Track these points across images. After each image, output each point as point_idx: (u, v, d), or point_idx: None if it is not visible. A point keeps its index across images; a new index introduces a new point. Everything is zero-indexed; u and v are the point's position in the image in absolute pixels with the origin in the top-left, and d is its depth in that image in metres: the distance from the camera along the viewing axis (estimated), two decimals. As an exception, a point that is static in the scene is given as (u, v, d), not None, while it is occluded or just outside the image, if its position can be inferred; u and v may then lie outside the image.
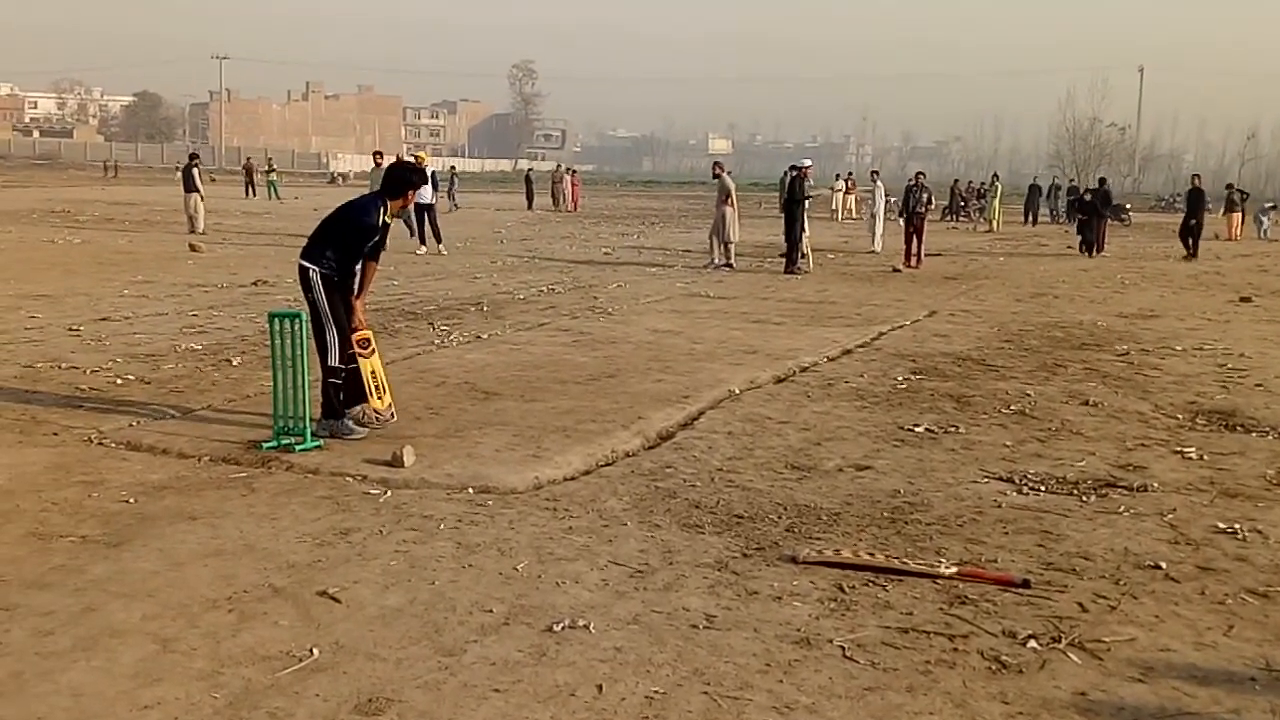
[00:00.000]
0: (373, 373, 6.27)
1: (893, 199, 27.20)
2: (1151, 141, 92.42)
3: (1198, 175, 25.15)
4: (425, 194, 18.98)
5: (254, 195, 41.13)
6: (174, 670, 3.32)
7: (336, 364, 6.12)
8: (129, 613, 3.74)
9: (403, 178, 6.32)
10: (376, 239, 6.25)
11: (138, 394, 7.18)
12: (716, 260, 17.78)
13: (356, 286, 6.30)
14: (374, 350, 6.35)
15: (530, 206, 39.51)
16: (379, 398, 6.29)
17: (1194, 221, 23.05)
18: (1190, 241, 22.95)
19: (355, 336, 6.19)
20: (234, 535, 4.55)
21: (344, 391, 6.16)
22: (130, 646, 3.48)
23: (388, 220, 6.27)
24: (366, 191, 7.52)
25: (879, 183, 24.19)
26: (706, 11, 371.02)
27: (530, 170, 46.10)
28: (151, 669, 3.33)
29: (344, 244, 6.16)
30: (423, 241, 19.28)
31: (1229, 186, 33.79)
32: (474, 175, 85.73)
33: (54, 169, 68.44)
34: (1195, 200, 23.49)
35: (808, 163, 18.46)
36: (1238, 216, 31.63)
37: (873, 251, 21.76)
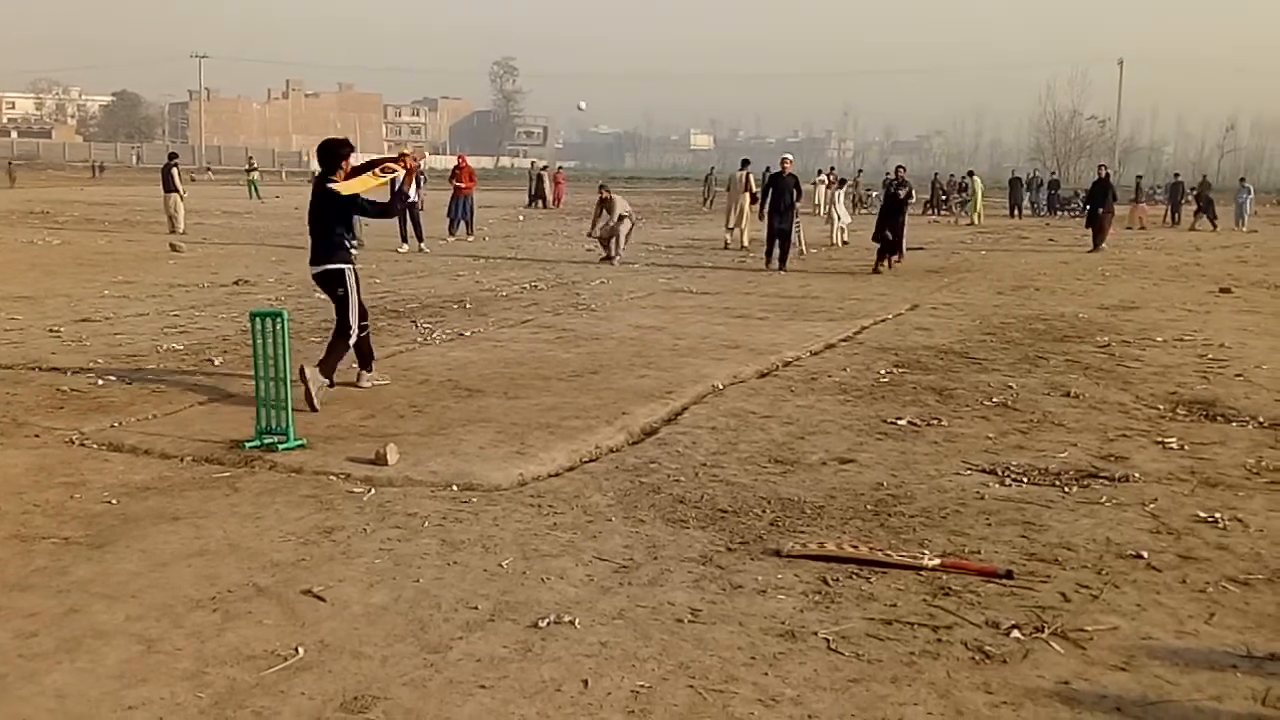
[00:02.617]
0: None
1: (875, 192, 27.65)
2: (1131, 134, 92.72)
3: (1104, 165, 24.84)
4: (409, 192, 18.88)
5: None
6: (158, 670, 3.31)
7: (354, 338, 7.07)
8: (113, 614, 3.73)
9: (331, 151, 6.98)
10: (352, 203, 6.95)
11: (119, 395, 7.15)
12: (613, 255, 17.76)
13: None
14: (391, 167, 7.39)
15: (529, 203, 38.65)
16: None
17: (1101, 211, 22.21)
18: (1094, 232, 22.32)
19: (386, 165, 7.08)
20: (217, 535, 4.54)
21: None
22: (114, 647, 3.47)
23: (343, 193, 6.87)
24: None
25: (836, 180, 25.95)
26: (687, 7, 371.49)
27: (535, 167, 44.66)
28: (136, 669, 3.32)
29: (334, 222, 6.93)
30: (404, 240, 19.21)
31: (1139, 178, 37.16)
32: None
33: (32, 169, 67.79)
34: (1101, 191, 22.57)
35: (789, 157, 18.47)
36: (1144, 206, 33.24)
37: (844, 243, 22.02)
